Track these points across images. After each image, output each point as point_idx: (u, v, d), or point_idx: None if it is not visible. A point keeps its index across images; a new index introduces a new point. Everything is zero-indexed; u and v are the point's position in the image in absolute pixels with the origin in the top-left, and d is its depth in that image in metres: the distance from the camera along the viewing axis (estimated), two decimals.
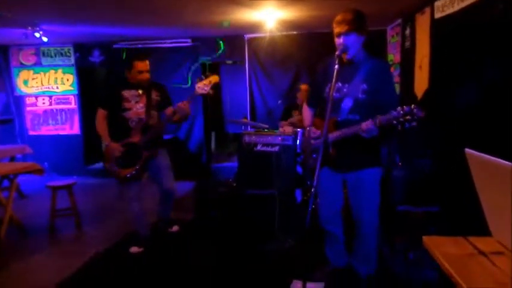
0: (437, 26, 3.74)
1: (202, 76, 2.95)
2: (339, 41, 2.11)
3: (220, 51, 5.98)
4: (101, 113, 3.12)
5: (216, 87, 3.02)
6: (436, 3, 3.70)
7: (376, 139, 2.09)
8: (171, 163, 3.24)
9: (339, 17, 2.10)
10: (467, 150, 1.04)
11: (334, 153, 2.14)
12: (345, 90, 2.20)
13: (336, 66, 2.00)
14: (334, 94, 2.12)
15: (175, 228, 3.47)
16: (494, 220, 0.97)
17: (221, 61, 6.27)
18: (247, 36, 5.94)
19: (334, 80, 1.98)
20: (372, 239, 2.39)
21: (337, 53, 2.07)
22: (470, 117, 3.04)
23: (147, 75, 3.07)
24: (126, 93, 3.05)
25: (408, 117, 1.81)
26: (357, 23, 2.07)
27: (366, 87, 2.14)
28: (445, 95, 3.55)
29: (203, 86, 2.87)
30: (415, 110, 1.80)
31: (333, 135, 2.16)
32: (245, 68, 6.05)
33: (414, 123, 1.82)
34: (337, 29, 2.10)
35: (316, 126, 2.38)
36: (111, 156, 3.02)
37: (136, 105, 3.04)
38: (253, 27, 5.27)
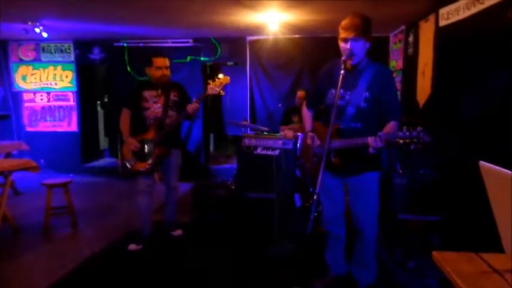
0: (442, 34, 3.72)
1: (216, 78, 3.03)
2: (345, 46, 2.07)
3: (218, 55, 5.95)
4: (125, 113, 3.22)
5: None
6: (441, 11, 3.69)
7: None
8: (180, 164, 3.38)
9: (346, 22, 2.06)
10: (481, 162, 1.01)
11: (337, 161, 2.12)
12: (347, 97, 2.18)
13: (342, 72, 1.97)
14: (338, 102, 2.09)
15: (178, 232, 3.49)
16: (508, 237, 0.94)
17: (222, 62, 6.23)
18: (249, 38, 5.92)
19: (339, 86, 1.95)
20: (372, 245, 2.36)
21: (343, 58, 2.04)
22: (473, 125, 3.02)
23: (166, 72, 3.15)
24: (146, 93, 3.17)
25: (415, 140, 1.81)
26: (365, 29, 2.04)
27: (368, 95, 2.13)
28: (447, 103, 3.53)
29: (214, 87, 2.99)
30: (421, 134, 1.80)
31: (336, 143, 2.13)
32: (246, 70, 6.02)
33: (419, 146, 1.81)
34: (344, 34, 2.06)
35: (317, 131, 2.37)
36: (127, 151, 3.14)
37: (154, 105, 3.14)
38: (255, 29, 5.24)
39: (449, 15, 3.53)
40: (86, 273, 2.88)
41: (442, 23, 3.68)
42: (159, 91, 3.17)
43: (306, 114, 2.52)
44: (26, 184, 5.33)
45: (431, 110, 3.88)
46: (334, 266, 2.53)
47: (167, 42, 5.96)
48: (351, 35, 2.03)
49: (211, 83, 3.01)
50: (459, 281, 0.91)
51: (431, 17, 3.96)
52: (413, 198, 3.23)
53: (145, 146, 3.13)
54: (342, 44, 2.10)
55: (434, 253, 1.06)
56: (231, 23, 4.80)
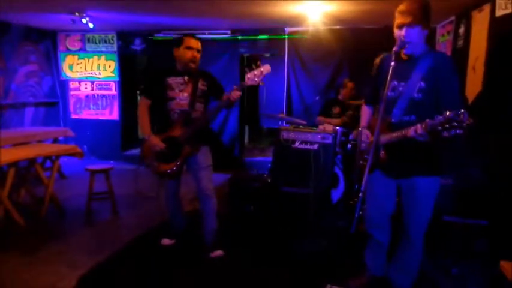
0: (498, 25, 3.45)
1: (253, 65, 2.61)
2: (399, 33, 1.92)
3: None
4: (143, 103, 2.87)
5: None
6: (498, 0, 3.42)
7: (433, 144, 1.86)
8: (212, 162, 2.94)
9: (402, 6, 1.91)
10: None
11: (384, 156, 1.99)
12: (400, 89, 2.02)
13: (392, 63, 1.84)
14: (389, 93, 1.96)
15: (218, 253, 2.95)
16: None
17: (260, 54, 6.19)
18: (288, 29, 5.82)
19: (389, 77, 1.84)
20: (417, 252, 2.24)
21: (394, 48, 1.91)
22: None
23: (197, 55, 2.74)
24: (171, 80, 2.77)
25: (454, 123, 1.54)
26: (423, 14, 1.89)
27: (424, 85, 1.95)
28: (500, 100, 3.28)
29: (253, 77, 2.55)
30: (461, 115, 1.52)
31: (385, 137, 2.00)
32: (283, 61, 5.93)
33: (460, 131, 1.54)
34: (399, 20, 1.91)
35: (371, 128, 2.23)
36: (150, 151, 2.79)
37: (180, 95, 2.75)
38: (295, 21, 5.14)
39: (507, 5, 3.26)
40: (125, 259, 2.97)
41: (499, 13, 3.41)
42: (186, 78, 2.77)
43: (364, 110, 2.40)
44: (70, 169, 5.60)
45: (482, 107, 3.63)
46: (373, 267, 2.44)
47: (205, 34, 5.99)
48: (406, 21, 1.88)
49: (248, 71, 2.57)
50: None
51: (486, 7, 3.68)
52: (460, 200, 3.04)
53: (172, 145, 2.73)
54: (396, 31, 1.95)
55: (502, 263, 0.97)
56: (270, 13, 4.73)
